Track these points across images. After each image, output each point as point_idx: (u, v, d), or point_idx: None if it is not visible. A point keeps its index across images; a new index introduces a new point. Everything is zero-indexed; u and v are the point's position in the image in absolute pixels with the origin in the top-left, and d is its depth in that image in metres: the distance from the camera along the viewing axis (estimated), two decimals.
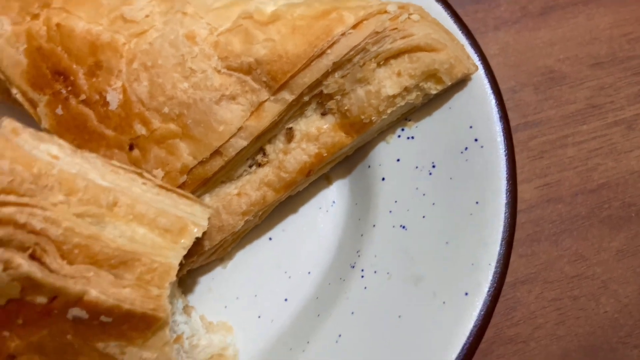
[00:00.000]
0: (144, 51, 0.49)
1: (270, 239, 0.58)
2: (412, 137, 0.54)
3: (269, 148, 0.52)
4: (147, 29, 0.50)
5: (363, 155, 0.56)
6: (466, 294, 0.47)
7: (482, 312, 0.47)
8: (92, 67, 0.49)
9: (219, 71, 0.48)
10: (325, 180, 0.59)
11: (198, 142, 0.48)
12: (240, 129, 0.48)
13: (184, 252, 0.43)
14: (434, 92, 0.50)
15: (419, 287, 0.49)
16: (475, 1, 0.70)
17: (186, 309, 0.51)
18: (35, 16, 0.51)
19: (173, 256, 0.42)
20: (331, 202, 0.58)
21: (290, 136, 0.51)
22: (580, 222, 0.62)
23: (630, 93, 0.66)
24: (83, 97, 0.48)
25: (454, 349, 0.46)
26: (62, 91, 0.49)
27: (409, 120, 0.54)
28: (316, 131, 0.51)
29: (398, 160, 0.54)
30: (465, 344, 0.46)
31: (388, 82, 0.49)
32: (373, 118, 0.50)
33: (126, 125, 0.48)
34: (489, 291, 0.47)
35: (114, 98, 0.48)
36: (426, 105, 0.54)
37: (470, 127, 0.51)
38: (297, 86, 0.48)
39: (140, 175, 0.44)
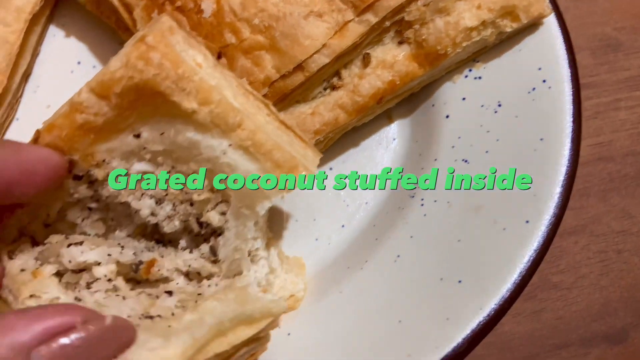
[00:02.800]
0: None
1: (331, 168, 0.60)
2: (480, 77, 0.56)
3: (344, 72, 0.54)
4: None
5: (427, 95, 0.58)
6: (527, 221, 0.49)
7: (541, 240, 0.48)
8: None
9: None
10: (386, 118, 0.61)
11: (283, 54, 0.50)
12: (324, 45, 0.50)
13: (290, 192, 0.44)
14: (508, 29, 0.52)
15: (479, 215, 0.51)
16: None
17: (268, 243, 0.51)
18: None
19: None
20: (392, 139, 0.60)
21: (366, 61, 0.53)
22: (628, 181, 0.64)
23: None
24: (179, 3, 0.50)
25: (512, 273, 0.48)
26: None
27: (477, 62, 0.56)
28: (392, 59, 0.53)
29: (464, 99, 0.56)
30: (523, 269, 0.48)
31: (467, 14, 0.51)
32: (448, 50, 0.52)
33: (217, 34, 0.50)
34: (549, 220, 0.49)
35: (208, 7, 0.50)
36: (494, 48, 0.56)
37: (539, 69, 0.53)
38: (382, 9, 0.50)
39: (267, 106, 0.46)
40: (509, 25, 0.52)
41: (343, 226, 0.58)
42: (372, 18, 0.50)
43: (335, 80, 0.54)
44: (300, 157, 0.45)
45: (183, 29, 0.43)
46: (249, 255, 0.47)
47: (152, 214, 0.45)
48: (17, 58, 0.57)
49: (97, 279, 0.44)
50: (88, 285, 0.44)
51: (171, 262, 0.46)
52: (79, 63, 0.62)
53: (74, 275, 0.44)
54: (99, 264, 0.44)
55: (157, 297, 0.44)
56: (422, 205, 0.54)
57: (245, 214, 0.45)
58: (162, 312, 0.41)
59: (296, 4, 0.50)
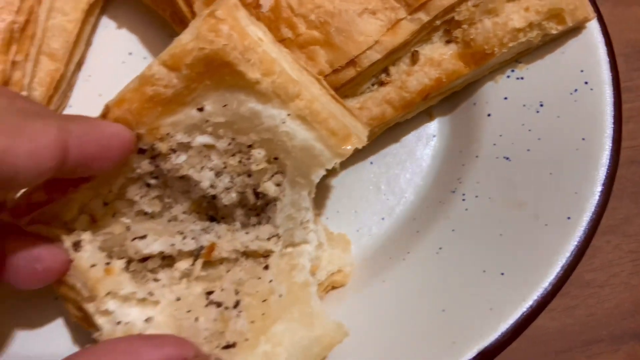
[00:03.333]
0: None
1: (371, 162, 0.61)
2: (522, 78, 0.57)
3: (392, 69, 0.56)
4: None
5: (469, 94, 0.60)
6: (568, 218, 0.51)
7: (582, 236, 0.50)
8: None
9: None
10: (427, 115, 0.62)
11: (337, 50, 0.51)
12: (376, 42, 0.51)
13: (344, 158, 0.46)
14: (554, 31, 0.54)
15: (521, 211, 0.53)
16: None
17: (314, 219, 0.53)
18: None
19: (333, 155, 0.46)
20: (432, 135, 0.62)
21: (415, 59, 0.55)
22: None
23: None
24: None
25: (555, 266, 0.49)
26: None
27: (520, 63, 0.58)
28: (439, 57, 0.55)
29: (506, 98, 0.58)
30: (565, 264, 0.49)
31: (515, 15, 0.53)
32: (495, 49, 0.54)
33: (274, 28, 0.52)
34: (590, 217, 0.50)
35: (266, 2, 0.52)
36: (537, 50, 0.57)
37: (582, 71, 0.55)
38: (434, 8, 0.52)
39: (319, 81, 0.48)
40: (554, 28, 0.54)
41: (383, 219, 0.59)
42: (423, 17, 0.52)
43: (383, 76, 0.56)
44: (352, 127, 0.47)
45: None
46: (301, 225, 0.50)
47: (212, 186, 0.47)
48: (73, 47, 0.59)
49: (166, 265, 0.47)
50: (158, 270, 0.47)
51: (230, 244, 0.48)
52: (130, 54, 0.64)
53: (140, 263, 0.47)
54: (163, 253, 0.47)
55: (220, 278, 0.46)
56: (464, 200, 0.56)
57: (300, 182, 0.48)
58: (236, 337, 0.45)
59: (351, 1, 0.52)
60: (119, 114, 0.44)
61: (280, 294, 0.48)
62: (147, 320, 0.45)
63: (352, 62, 0.52)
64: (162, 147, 0.45)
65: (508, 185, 0.54)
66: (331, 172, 0.60)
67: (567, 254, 0.50)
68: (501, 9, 0.53)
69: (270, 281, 0.48)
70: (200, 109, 0.45)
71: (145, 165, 0.46)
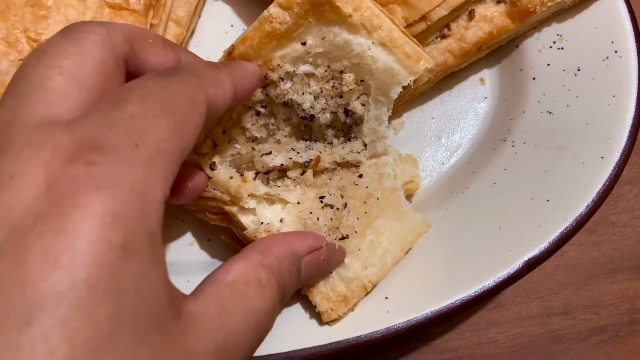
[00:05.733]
0: None
1: (432, 118, 0.73)
2: (562, 48, 0.70)
3: (453, 25, 0.68)
4: None
5: (516, 61, 0.72)
6: (602, 157, 0.62)
7: (612, 173, 0.62)
8: None
9: None
10: (479, 81, 0.75)
11: (411, 7, 0.64)
12: (443, 1, 0.64)
13: (417, 75, 0.58)
14: None
15: (562, 152, 0.64)
16: None
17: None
18: None
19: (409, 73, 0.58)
20: (483, 97, 0.74)
21: (472, 16, 0.68)
22: None
23: None
24: None
25: (590, 195, 0.61)
26: None
27: (560, 36, 0.70)
28: (491, 14, 0.68)
29: (548, 64, 0.70)
30: (597, 194, 0.61)
31: None
32: (537, 8, 0.66)
33: None
34: (620, 156, 0.62)
35: None
36: (573, 18, 0.69)
37: (612, 42, 0.67)
38: None
39: (392, 20, 0.60)
40: None
41: (443, 164, 0.71)
42: None
43: (445, 30, 0.69)
44: (421, 53, 0.59)
45: None
46: (382, 138, 0.62)
47: (311, 107, 0.59)
48: (192, 16, 0.72)
49: (286, 176, 0.60)
50: (277, 180, 0.59)
51: (330, 156, 0.61)
52: (232, 26, 0.77)
53: (264, 175, 0.59)
54: (282, 165, 0.59)
55: (326, 185, 0.60)
56: (513, 146, 0.67)
57: (381, 100, 0.60)
58: (348, 230, 0.58)
59: None
60: (242, 50, 0.55)
61: (376, 196, 0.60)
62: (281, 220, 0.58)
63: (423, 18, 0.65)
64: (274, 76, 0.57)
65: (551, 134, 0.66)
66: (395, 109, 0.72)
67: (600, 186, 0.61)
68: None
69: (367, 187, 0.61)
70: (304, 43, 0.56)
71: (258, 94, 0.58)
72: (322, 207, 0.60)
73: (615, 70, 0.66)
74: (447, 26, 0.69)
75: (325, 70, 0.59)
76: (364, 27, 0.56)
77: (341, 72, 0.59)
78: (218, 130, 0.60)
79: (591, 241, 0.74)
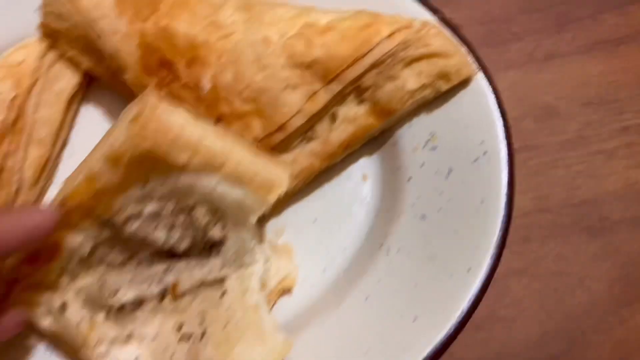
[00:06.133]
0: (230, 49, 0.65)
1: (315, 220, 0.72)
2: (435, 148, 0.68)
3: (317, 127, 0.67)
4: (231, 32, 0.66)
5: (395, 159, 0.71)
6: (469, 269, 0.61)
7: (480, 284, 0.61)
8: (190, 60, 0.65)
9: (285, 67, 0.64)
10: (362, 178, 0.73)
11: (268, 119, 0.63)
12: (299, 111, 0.63)
13: (271, 204, 0.58)
14: (443, 88, 0.66)
15: (433, 263, 0.63)
16: (488, 45, 0.85)
17: (260, 239, 0.65)
18: (146, 19, 0.67)
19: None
20: (365, 195, 0.73)
21: (333, 118, 0.67)
22: (564, 229, 0.76)
23: (612, 129, 0.80)
24: (183, 82, 0.64)
25: (458, 310, 0.60)
26: (167, 77, 0.65)
27: (434, 135, 0.69)
28: (353, 115, 0.67)
29: (422, 164, 0.69)
30: (466, 308, 0.60)
31: (411, 79, 0.65)
32: (397, 107, 0.66)
33: (214, 105, 0.64)
34: (487, 269, 0.61)
35: (205, 84, 0.63)
36: (447, 124, 0.68)
37: (482, 142, 0.66)
38: (344, 79, 0.64)
39: (240, 139, 0.59)
40: (444, 86, 0.66)
41: (325, 271, 0.70)
42: (336, 87, 0.64)
43: (310, 133, 0.68)
44: (274, 177, 0.58)
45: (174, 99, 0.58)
46: (248, 251, 0.62)
47: (166, 240, 0.59)
48: (58, 132, 0.70)
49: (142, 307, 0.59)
50: (130, 313, 0.59)
51: (189, 279, 0.60)
52: None
53: (118, 310, 0.59)
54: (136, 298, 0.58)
55: (187, 309, 0.59)
56: (388, 255, 0.66)
57: (240, 224, 0.60)
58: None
59: (275, 80, 0.64)
60: (73, 204, 0.54)
61: (236, 319, 0.59)
62: (136, 358, 0.56)
63: (281, 128, 0.64)
64: (118, 219, 0.56)
65: (423, 241, 0.65)
66: (275, 211, 0.71)
67: (469, 299, 0.60)
68: (399, 75, 0.65)
69: (228, 308, 0.59)
70: (144, 186, 0.55)
71: (106, 233, 0.58)
72: (179, 340, 0.58)
73: (484, 172, 0.65)
74: (312, 129, 0.68)
75: (174, 207, 0.58)
76: (206, 168, 0.55)
77: (192, 206, 0.58)
78: (72, 263, 0.58)
79: (479, 338, 0.73)
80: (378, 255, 0.67)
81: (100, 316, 0.58)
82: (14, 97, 0.65)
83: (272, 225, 0.71)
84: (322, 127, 0.68)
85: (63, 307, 0.57)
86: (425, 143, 0.69)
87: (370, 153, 0.74)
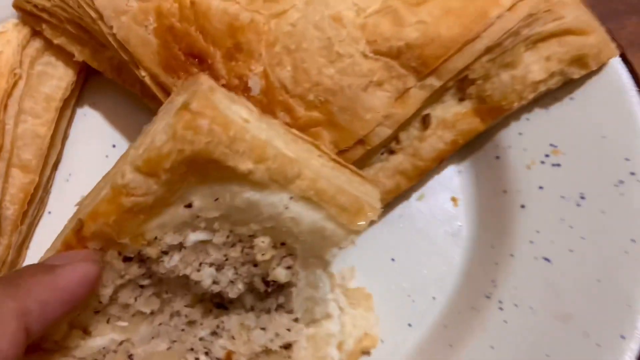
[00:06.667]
0: (287, 33, 0.47)
1: (392, 259, 0.55)
2: (559, 165, 0.51)
3: (402, 135, 0.51)
4: (287, 8, 0.48)
5: (496, 179, 0.54)
6: (622, 337, 0.45)
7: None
8: (230, 49, 0.47)
9: (366, 56, 0.47)
10: (451, 201, 0.56)
11: (342, 130, 0.47)
12: (386, 116, 0.47)
13: (359, 234, 0.42)
14: (576, 76, 0.50)
15: (568, 326, 0.47)
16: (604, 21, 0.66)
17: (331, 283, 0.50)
18: None
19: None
20: (457, 224, 0.56)
21: (426, 123, 0.50)
22: None
23: None
24: (222, 82, 0.47)
25: None
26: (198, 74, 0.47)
27: (555, 147, 0.52)
28: (453, 117, 0.51)
29: (541, 187, 0.52)
30: None
31: (535, 66, 0.49)
32: (515, 104, 0.50)
33: (268, 112, 0.46)
34: None
35: (255, 84, 0.46)
36: (574, 131, 0.51)
37: (627, 159, 0.49)
38: (446, 72, 0.46)
39: (317, 147, 0.42)
40: (577, 73, 0.50)
41: (410, 325, 0.53)
42: (435, 82, 0.47)
43: (393, 144, 0.51)
44: (362, 196, 0.43)
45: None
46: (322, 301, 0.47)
47: (214, 282, 0.44)
48: (48, 150, 0.52)
49: None
50: None
51: (247, 347, 0.45)
52: (114, 146, 0.57)
53: None
54: None
55: None
56: (501, 309, 0.50)
57: (314, 262, 0.44)
58: None
59: (354, 74, 0.46)
60: (95, 229, 0.39)
61: None
62: None
63: (361, 141, 0.47)
64: (151, 252, 0.41)
65: (551, 293, 0.49)
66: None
67: None
68: (519, 60, 0.48)
69: None
70: (189, 206, 0.40)
71: (134, 271, 0.43)
72: None
73: (632, 201, 0.48)
74: (396, 138, 0.51)
75: (228, 236, 0.42)
76: (275, 181, 0.39)
77: (251, 235, 0.42)
78: (87, 314, 0.44)
79: None
80: (486, 309, 0.50)
81: None
82: None
83: (336, 265, 0.54)
84: (409, 135, 0.51)
85: None
86: (544, 158, 0.52)
87: (460, 168, 0.57)
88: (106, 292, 0.42)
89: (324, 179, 0.40)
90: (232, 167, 0.37)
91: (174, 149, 0.36)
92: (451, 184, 0.57)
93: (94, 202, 0.40)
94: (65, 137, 0.56)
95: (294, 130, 0.43)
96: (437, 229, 0.56)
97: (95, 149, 0.57)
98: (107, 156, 0.57)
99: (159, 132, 0.37)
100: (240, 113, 0.39)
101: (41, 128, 0.50)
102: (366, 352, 0.52)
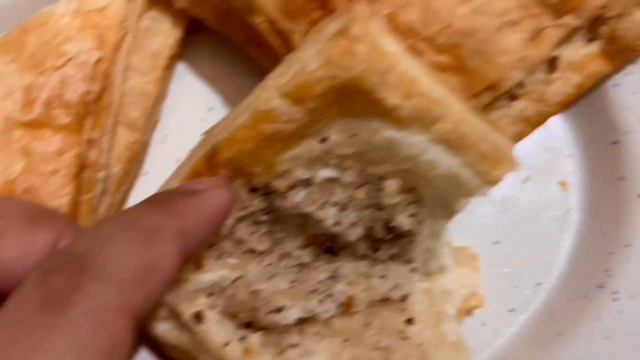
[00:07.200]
0: None
1: (495, 242, 0.53)
2: None
3: (528, 79, 0.48)
4: None
5: (614, 165, 0.51)
6: None
7: None
8: None
9: None
10: (559, 185, 0.54)
11: (472, 75, 0.44)
12: (521, 59, 0.45)
13: (495, 185, 0.40)
14: None
15: None
16: None
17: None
18: None
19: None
20: (566, 210, 0.53)
21: (554, 65, 0.48)
22: None
23: None
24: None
25: None
26: (321, 20, 0.45)
27: None
28: (582, 59, 0.49)
29: None
30: None
31: None
32: None
33: None
34: None
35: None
36: None
37: None
38: (586, 9, 0.44)
39: (455, 92, 0.40)
40: None
41: (512, 310, 0.52)
42: (572, 21, 0.45)
43: (516, 89, 0.49)
44: (501, 146, 0.40)
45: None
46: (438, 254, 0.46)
47: (336, 223, 0.42)
48: (153, 109, 0.50)
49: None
50: (288, 336, 0.43)
51: (367, 294, 0.44)
52: (210, 109, 0.55)
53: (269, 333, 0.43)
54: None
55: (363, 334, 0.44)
56: (616, 300, 0.48)
57: (440, 212, 0.43)
58: None
59: (487, 14, 0.44)
60: (229, 155, 0.39)
61: None
62: None
63: (492, 86, 0.45)
64: (280, 184, 0.40)
65: None
66: None
67: None
68: None
69: (420, 345, 0.44)
70: (324, 140, 0.39)
71: (257, 204, 0.41)
72: None
73: None
74: (520, 83, 0.48)
75: (357, 176, 0.41)
76: (419, 120, 0.37)
77: (381, 177, 0.41)
78: (202, 247, 0.43)
79: None
80: (599, 299, 0.48)
81: (256, 339, 0.42)
82: (98, 61, 0.44)
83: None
84: (534, 79, 0.48)
85: (198, 316, 0.42)
86: None
87: (571, 151, 0.54)
88: (227, 223, 0.42)
89: (467, 124, 0.38)
90: (380, 100, 0.35)
91: (326, 75, 0.35)
92: (560, 167, 0.54)
93: (228, 129, 0.39)
94: (164, 98, 0.54)
95: (435, 72, 0.41)
96: (543, 213, 0.53)
97: (191, 111, 0.55)
98: (203, 119, 0.55)
99: (311, 58, 0.35)
100: (393, 45, 0.37)
101: (147, 86, 0.48)
102: (469, 314, 0.51)
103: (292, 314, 0.41)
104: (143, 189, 0.53)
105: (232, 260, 0.44)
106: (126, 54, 0.47)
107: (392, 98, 0.35)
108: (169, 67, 0.52)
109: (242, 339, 0.42)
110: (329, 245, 0.45)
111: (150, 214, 0.34)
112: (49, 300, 0.27)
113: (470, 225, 0.53)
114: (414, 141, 0.38)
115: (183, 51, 0.55)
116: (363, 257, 0.45)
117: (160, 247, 0.32)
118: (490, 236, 0.53)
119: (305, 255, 0.45)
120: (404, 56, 0.38)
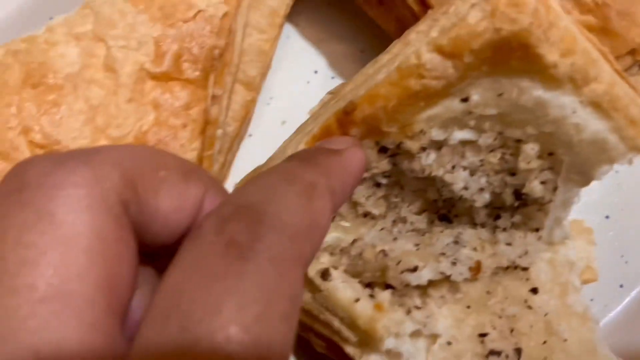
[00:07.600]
0: None
1: (606, 217, 0.52)
2: None
3: None
4: None
5: None
6: None
7: None
8: None
9: None
10: None
11: (616, 37, 0.43)
12: None
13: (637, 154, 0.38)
14: None
15: None
16: None
17: None
18: None
19: None
20: None
21: None
22: None
23: None
24: None
25: None
26: None
27: None
28: None
29: None
30: None
31: None
32: None
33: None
34: None
35: None
36: None
37: None
38: None
39: (604, 54, 0.38)
40: None
41: (622, 286, 0.51)
42: None
43: None
44: None
45: None
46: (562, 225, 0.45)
47: (464, 187, 0.41)
48: (267, 68, 0.49)
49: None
50: (411, 295, 0.43)
51: (494, 260, 0.43)
52: (315, 72, 0.54)
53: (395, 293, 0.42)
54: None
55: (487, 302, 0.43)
56: None
57: (576, 180, 0.41)
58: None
59: None
60: (368, 112, 0.37)
61: (563, 336, 0.42)
62: None
63: (631, 51, 0.44)
64: (412, 145, 0.39)
65: None
66: None
67: None
68: None
69: (546, 314, 0.43)
70: (465, 100, 0.37)
71: (383, 165, 0.40)
72: (486, 357, 0.42)
73: None
74: None
75: (495, 139, 0.39)
76: (572, 80, 0.35)
77: (518, 140, 0.39)
78: None
79: None
80: None
81: (385, 296, 0.41)
82: (225, 15, 0.43)
83: None
84: None
85: (325, 274, 0.41)
86: None
87: None
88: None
89: (619, 86, 0.36)
90: (539, 55, 0.33)
91: (489, 28, 0.33)
92: None
93: (364, 87, 0.38)
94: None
95: (585, 31, 0.39)
96: None
97: (297, 74, 0.54)
98: (308, 82, 0.54)
99: (471, 10, 0.34)
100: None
101: (265, 44, 0.48)
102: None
103: (425, 274, 0.41)
104: (248, 150, 0.53)
105: (345, 224, 0.43)
106: (246, 11, 0.46)
107: (552, 54, 0.33)
108: (282, 26, 0.51)
109: (371, 296, 0.42)
110: (444, 213, 0.44)
111: (308, 169, 0.33)
112: (232, 247, 0.27)
113: (581, 200, 0.52)
114: (564, 102, 0.36)
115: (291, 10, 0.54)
116: (481, 225, 0.44)
117: (319, 202, 0.31)
118: (602, 210, 0.52)
119: (420, 221, 0.44)
120: (563, 12, 0.36)
